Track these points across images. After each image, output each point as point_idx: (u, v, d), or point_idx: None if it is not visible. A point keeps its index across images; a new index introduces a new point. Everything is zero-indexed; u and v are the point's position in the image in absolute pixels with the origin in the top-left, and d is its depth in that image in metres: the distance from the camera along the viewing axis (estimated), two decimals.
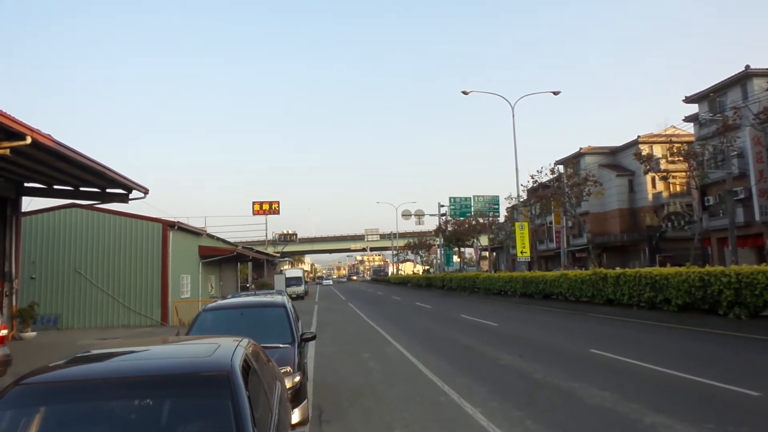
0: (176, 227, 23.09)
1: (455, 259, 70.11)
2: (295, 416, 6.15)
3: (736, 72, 33.16)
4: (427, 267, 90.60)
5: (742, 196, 32.14)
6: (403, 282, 72.13)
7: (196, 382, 3.17)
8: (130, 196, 16.53)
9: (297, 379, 6.33)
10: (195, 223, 35.72)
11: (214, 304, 8.44)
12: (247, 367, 3.56)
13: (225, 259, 32.82)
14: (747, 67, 32.38)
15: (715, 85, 34.99)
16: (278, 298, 8.75)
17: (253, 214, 64.30)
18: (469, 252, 73.79)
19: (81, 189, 16.27)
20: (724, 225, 31.98)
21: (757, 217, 31.32)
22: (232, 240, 43.12)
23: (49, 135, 11.69)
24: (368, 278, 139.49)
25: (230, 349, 3.58)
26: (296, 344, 7.12)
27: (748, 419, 6.01)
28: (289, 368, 6.38)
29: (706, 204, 36.32)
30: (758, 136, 30.73)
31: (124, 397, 3.11)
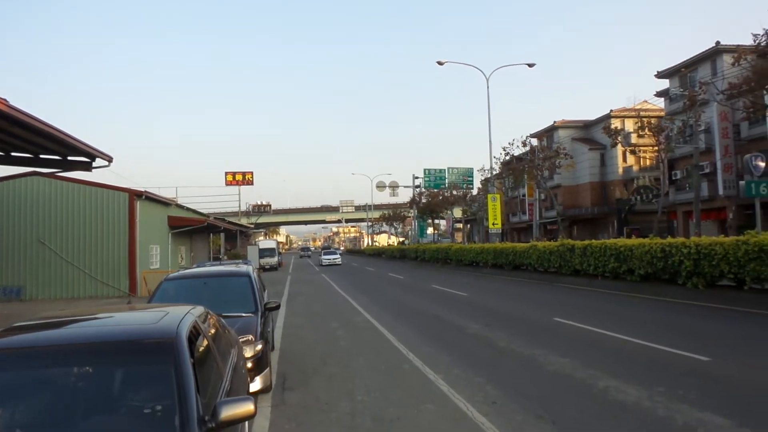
0: (144, 197, 22.61)
1: (429, 230, 70.54)
2: (257, 384, 6.17)
3: (707, 48, 33.55)
4: (401, 239, 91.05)
5: (707, 170, 32.88)
6: (378, 253, 72.50)
7: (139, 349, 3.11)
8: (94, 165, 16.02)
9: (259, 347, 6.32)
10: (166, 193, 35.00)
11: (176, 273, 8.33)
12: (196, 335, 3.51)
13: (196, 230, 32.38)
14: (717, 43, 32.75)
15: (686, 60, 35.37)
16: (243, 268, 8.67)
17: (226, 184, 63.33)
18: (443, 224, 74.27)
19: (41, 156, 15.69)
20: (689, 198, 32.79)
21: (721, 191, 32.17)
22: (204, 211, 42.53)
23: (4, 99, 11.17)
24: (342, 250, 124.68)
25: (178, 316, 3.52)
26: (260, 313, 7.09)
27: (697, 382, 6.24)
28: (250, 337, 6.36)
29: (674, 178, 37.11)
30: (725, 112, 31.33)
31: (63, 365, 3.03)
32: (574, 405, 5.77)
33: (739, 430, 4.76)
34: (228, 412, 2.78)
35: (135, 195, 22.08)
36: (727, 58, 32.03)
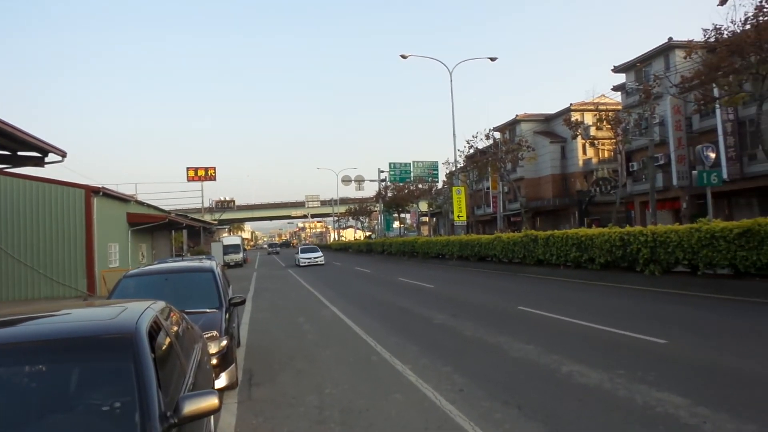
0: (101, 193, 21.88)
1: (396, 224, 70.84)
2: (222, 380, 6.06)
3: (660, 43, 34.62)
4: (368, 233, 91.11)
5: (662, 162, 34.00)
6: (344, 248, 72.34)
7: (97, 345, 3.00)
8: (47, 160, 15.41)
9: (224, 343, 6.20)
10: (125, 190, 33.98)
11: (136, 270, 8.09)
12: (156, 330, 3.41)
13: (158, 227, 31.59)
14: (670, 39, 33.80)
15: (641, 55, 36.41)
16: (206, 263, 8.50)
17: (188, 180, 62.08)
18: (409, 217, 74.68)
19: None
20: (646, 189, 33.84)
21: (675, 182, 33.32)
22: (166, 208, 41.48)
23: None
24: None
25: (138, 311, 3.41)
26: (224, 309, 6.97)
27: (655, 364, 6.46)
28: (215, 333, 6.24)
29: (631, 170, 38.24)
30: (678, 105, 32.41)
31: (18, 363, 2.90)
32: (539, 390, 5.88)
33: (696, 408, 4.94)
34: (191, 406, 2.71)
35: (92, 191, 21.34)
36: (680, 53, 33.20)
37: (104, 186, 22.85)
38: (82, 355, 2.93)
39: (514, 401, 5.52)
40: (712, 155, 20.15)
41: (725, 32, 16.52)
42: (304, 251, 39.32)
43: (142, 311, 3.44)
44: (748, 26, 15.88)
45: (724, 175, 27.91)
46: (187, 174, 63.44)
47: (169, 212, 36.67)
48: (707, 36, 17.05)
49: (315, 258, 36.95)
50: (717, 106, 24.40)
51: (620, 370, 6.31)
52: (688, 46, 18.73)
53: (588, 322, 9.45)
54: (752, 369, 6.09)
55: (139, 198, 32.93)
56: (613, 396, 5.47)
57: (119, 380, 2.79)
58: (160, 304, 4.10)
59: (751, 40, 15.57)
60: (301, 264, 36.23)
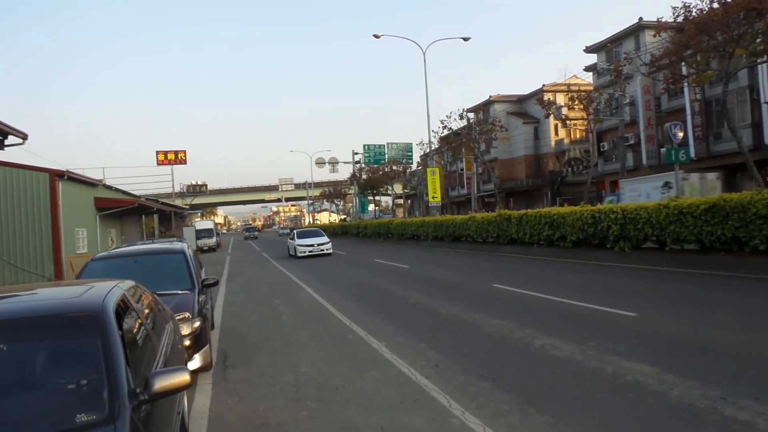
0: (66, 177, 21.21)
1: (371, 207, 70.77)
2: (196, 362, 5.98)
3: (631, 24, 35.00)
4: (343, 216, 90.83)
5: (632, 141, 34.61)
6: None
7: (63, 323, 2.91)
8: (6, 142, 14.82)
9: (197, 324, 6.12)
10: (93, 175, 33.08)
11: (104, 253, 7.90)
12: (124, 309, 3.32)
13: (127, 212, 30.86)
14: (640, 19, 34.18)
15: (612, 36, 36.76)
16: (177, 245, 8.34)
17: (158, 164, 60.71)
18: (384, 200, 74.68)
19: None
20: (616, 169, 34.45)
21: (645, 162, 33.97)
22: (136, 192, 40.56)
23: None
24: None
25: (104, 290, 3.31)
26: (197, 290, 6.86)
27: (625, 336, 6.61)
28: (187, 314, 6.14)
29: (602, 149, 38.84)
30: (647, 86, 32.93)
31: None
32: (512, 363, 5.97)
33: (664, 375, 5.08)
34: (161, 383, 2.66)
35: (56, 175, 20.66)
36: (650, 33, 33.63)
37: (69, 170, 22.14)
38: (47, 334, 2.84)
39: (488, 374, 5.59)
40: (680, 134, 20.58)
41: (694, 10, 16.77)
42: (302, 236, 27.84)
43: (109, 289, 3.34)
44: (715, 4, 16.14)
45: (692, 154, 28.59)
46: (157, 157, 61.99)
47: (139, 197, 35.86)
48: (676, 14, 17.28)
49: (320, 245, 26.34)
50: (685, 85, 24.85)
51: (591, 342, 6.44)
52: (658, 26, 18.94)
53: (560, 297, 9.62)
54: (718, 339, 6.29)
55: (108, 182, 32.11)
56: (584, 367, 5.59)
57: (86, 358, 2.72)
58: (129, 283, 4.00)
59: (719, 19, 15.84)
60: (300, 254, 25.86)
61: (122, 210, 28.47)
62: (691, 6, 16.89)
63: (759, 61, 17.93)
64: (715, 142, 29.27)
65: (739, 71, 20.67)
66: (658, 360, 5.54)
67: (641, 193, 23.32)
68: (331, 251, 26.44)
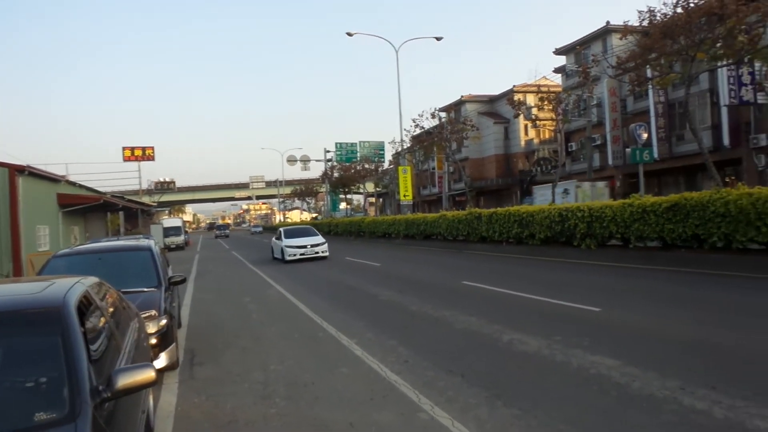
0: (27, 172, 20.56)
1: (342, 205, 70.58)
2: (162, 360, 5.89)
3: (599, 27, 35.80)
4: (314, 214, 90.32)
5: (599, 142, 35.45)
6: None
7: (22, 319, 2.82)
8: None
9: (163, 322, 6.01)
10: (57, 171, 32.05)
11: (67, 249, 7.68)
12: (87, 305, 3.24)
13: (92, 209, 30.11)
14: (607, 22, 35.02)
15: (581, 38, 37.56)
16: (143, 242, 8.17)
17: (124, 160, 59.41)
18: (356, 198, 74.61)
19: None
20: (583, 168, 35.24)
21: (610, 161, 34.84)
22: (102, 189, 39.51)
23: None
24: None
25: (66, 286, 3.23)
26: (163, 288, 6.74)
27: (589, 330, 6.77)
28: (153, 312, 6.03)
29: (570, 150, 39.64)
30: (614, 88, 33.74)
31: None
32: (481, 358, 6.05)
33: (626, 368, 5.22)
34: (125, 380, 2.61)
35: (16, 170, 20.00)
36: (617, 37, 34.44)
37: (30, 165, 21.45)
38: (6, 331, 2.75)
39: (457, 369, 5.65)
40: (645, 135, 21.17)
41: (658, 15, 17.23)
42: (292, 235, 22.78)
43: (70, 286, 3.26)
44: (679, 9, 16.62)
45: (655, 155, 29.43)
46: (123, 154, 60.62)
47: (104, 193, 34.98)
48: (642, 18, 17.74)
49: (314, 247, 21.60)
50: (650, 87, 25.54)
51: (557, 336, 6.58)
52: (624, 30, 19.40)
53: (528, 294, 9.78)
54: (678, 332, 6.50)
55: (72, 179, 31.19)
56: (550, 361, 5.70)
57: (46, 355, 2.65)
58: (92, 280, 3.91)
59: (682, 23, 16.31)
60: (289, 257, 21.10)
61: (86, 207, 27.76)
62: (656, 10, 17.37)
63: (719, 64, 18.54)
64: (678, 143, 30.19)
65: (700, 74, 21.37)
66: (621, 353, 5.69)
67: (548, 198, 29.08)
68: (327, 254, 21.73)
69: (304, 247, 21.40)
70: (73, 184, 29.65)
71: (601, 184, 29.81)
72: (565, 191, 29.84)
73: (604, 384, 4.87)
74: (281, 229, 24.11)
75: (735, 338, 6.02)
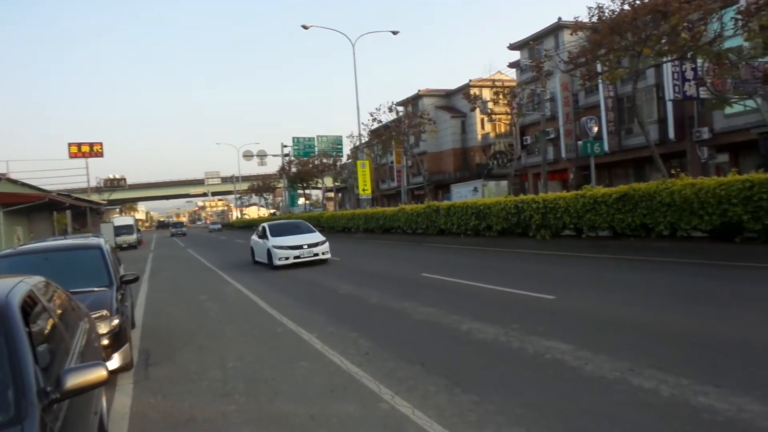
0: None
1: (301, 200, 69.96)
2: (115, 361, 5.71)
3: (551, 23, 36.65)
4: (272, 210, 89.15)
5: (552, 135, 36.33)
6: (248, 225, 70.37)
7: None
8: None
9: (115, 322, 5.82)
10: None
11: (9, 250, 7.32)
12: (32, 305, 3.11)
13: (36, 208, 28.76)
14: (559, 19, 35.88)
15: (534, 34, 38.35)
16: (93, 240, 7.87)
17: (70, 157, 56.97)
18: (315, 193, 74.03)
19: None
20: (538, 162, 36.05)
21: (563, 155, 35.80)
22: (47, 187, 37.78)
23: None
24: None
25: (8, 285, 3.08)
26: (115, 287, 6.52)
27: (544, 318, 6.97)
28: (105, 312, 5.83)
29: (525, 143, 40.52)
30: (566, 83, 34.65)
31: None
32: (441, 347, 6.14)
33: (579, 352, 5.40)
34: (75, 379, 2.51)
35: None
36: (568, 33, 35.35)
37: None
38: None
39: (417, 359, 5.71)
40: (595, 128, 21.86)
41: (607, 11, 17.79)
42: (279, 232, 17.45)
43: (14, 285, 3.12)
44: (626, 6, 17.20)
45: (606, 148, 30.45)
46: (69, 150, 58.13)
47: (49, 192, 33.49)
48: (591, 15, 18.28)
49: (312, 247, 16.54)
50: (600, 82, 26.35)
51: (514, 324, 6.74)
52: (575, 26, 19.93)
53: (486, 284, 9.97)
54: (628, 316, 6.77)
55: (13, 176, 29.73)
56: (507, 347, 5.84)
57: None
58: (37, 279, 3.74)
59: (629, 20, 16.90)
60: (280, 261, 16.14)
61: (30, 206, 26.51)
62: (605, 7, 17.92)
63: (664, 60, 19.30)
64: (627, 137, 31.30)
65: (646, 70, 22.21)
66: (574, 338, 5.88)
67: (462, 195, 35.75)
68: (328, 255, 16.92)
69: (299, 247, 16.34)
70: (14, 182, 28.27)
71: (503, 183, 36.22)
72: (475, 189, 36.98)
73: (558, 368, 5.03)
74: (265, 224, 18.64)
75: (679, 321, 6.32)
